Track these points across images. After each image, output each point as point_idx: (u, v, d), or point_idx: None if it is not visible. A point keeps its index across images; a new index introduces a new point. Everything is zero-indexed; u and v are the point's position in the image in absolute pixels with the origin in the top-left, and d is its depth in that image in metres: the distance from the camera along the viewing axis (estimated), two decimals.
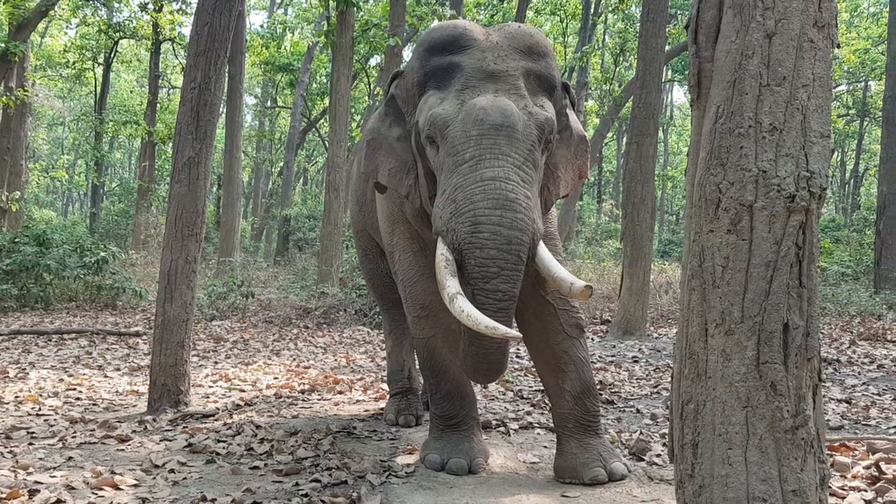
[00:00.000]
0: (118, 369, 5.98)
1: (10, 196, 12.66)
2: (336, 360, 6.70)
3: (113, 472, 3.16)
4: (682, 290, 2.11)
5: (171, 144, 23.18)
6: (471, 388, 3.51)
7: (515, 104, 2.79)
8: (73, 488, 2.97)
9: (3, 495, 2.81)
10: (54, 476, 3.11)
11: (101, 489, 2.97)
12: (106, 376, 5.64)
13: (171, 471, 3.24)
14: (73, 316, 9.75)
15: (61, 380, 5.37)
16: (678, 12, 20.69)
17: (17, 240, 10.70)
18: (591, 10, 23.11)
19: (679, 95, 39.86)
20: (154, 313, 9.51)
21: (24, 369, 5.74)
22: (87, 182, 35.96)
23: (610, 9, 22.69)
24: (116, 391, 5.09)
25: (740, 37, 1.92)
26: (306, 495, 2.93)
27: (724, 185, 1.93)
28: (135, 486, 3.03)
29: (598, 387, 4.34)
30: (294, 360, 6.64)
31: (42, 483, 3.01)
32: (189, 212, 4.40)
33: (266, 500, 2.87)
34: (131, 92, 33.44)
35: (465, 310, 2.54)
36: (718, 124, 1.94)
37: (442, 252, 2.72)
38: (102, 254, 10.84)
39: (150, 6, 18.47)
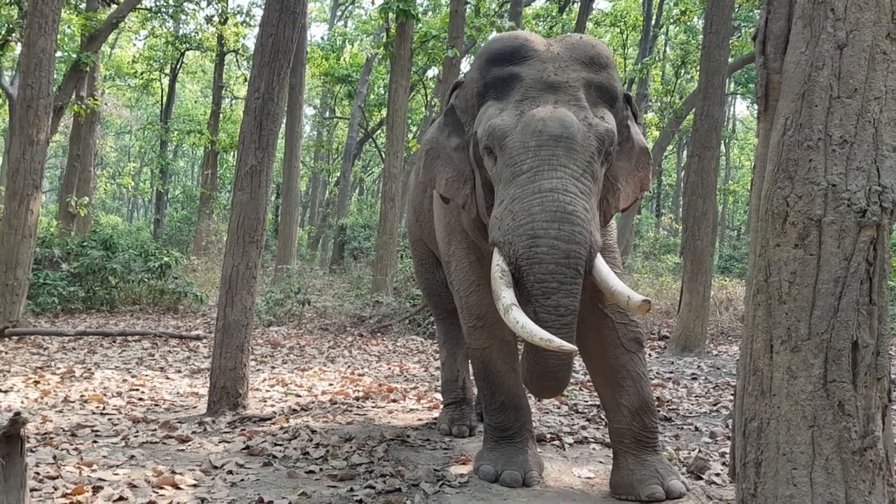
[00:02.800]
0: (179, 371, 6.12)
1: (79, 201, 13.07)
2: (390, 368, 6.74)
3: (173, 472, 3.23)
4: (746, 305, 2.06)
5: (232, 153, 23.76)
6: (525, 399, 3.49)
7: (575, 115, 2.77)
8: (134, 486, 3.04)
9: (69, 490, 2.90)
10: (117, 474, 3.20)
11: (161, 488, 3.04)
12: (167, 378, 5.77)
13: (230, 472, 3.30)
14: (136, 319, 10.02)
15: (125, 380, 5.52)
16: (742, 24, 20.34)
17: (84, 244, 11.05)
18: (653, 22, 22.89)
19: (742, 108, 39.08)
20: (214, 317, 9.70)
21: (90, 369, 5.91)
22: (151, 189, 36.98)
23: (672, 20, 22.45)
24: (177, 392, 5.20)
25: (810, 48, 1.88)
26: (360, 501, 2.95)
27: (791, 199, 1.89)
28: (194, 486, 3.10)
29: (656, 403, 4.27)
30: (349, 367, 6.70)
31: (105, 480, 3.09)
32: (250, 219, 4.48)
33: None
34: (195, 102, 34.30)
35: (520, 321, 2.53)
36: (787, 136, 1.90)
37: (497, 263, 2.72)
38: (166, 259, 11.12)
39: (216, 19, 18.93)
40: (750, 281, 2.03)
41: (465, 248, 3.42)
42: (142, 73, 23.49)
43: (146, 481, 3.10)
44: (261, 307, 10.15)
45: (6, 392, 4.83)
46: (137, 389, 5.21)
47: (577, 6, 22.86)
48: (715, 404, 5.46)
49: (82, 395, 4.87)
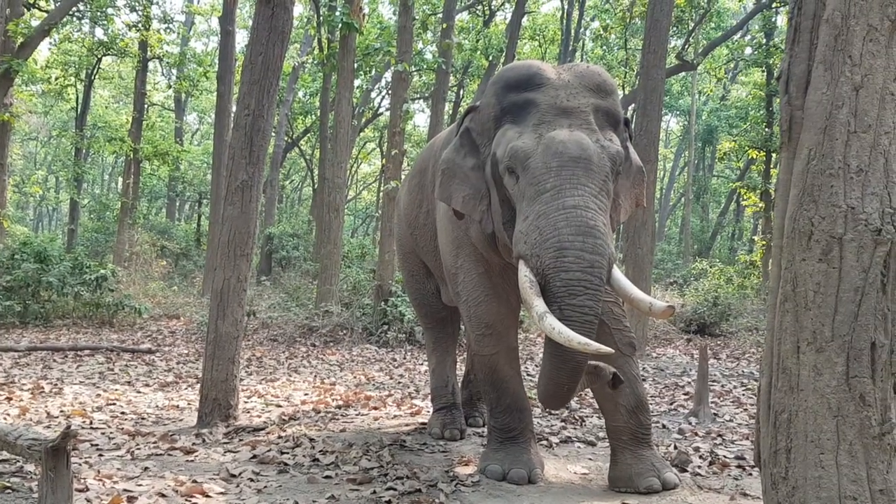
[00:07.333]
0: (147, 385, 6.08)
1: (2, 212, 12.63)
2: (355, 377, 6.85)
3: (194, 481, 3.31)
4: (770, 313, 2.35)
5: (150, 163, 23.12)
6: (528, 402, 3.72)
7: (589, 138, 3.03)
8: (164, 496, 3.12)
9: (106, 501, 2.96)
10: (140, 485, 3.26)
11: (192, 496, 3.13)
12: (138, 392, 5.74)
13: (250, 479, 3.41)
14: (74, 333, 9.75)
15: (98, 395, 5.46)
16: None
17: (16, 256, 10.67)
18: (571, 37, 23.60)
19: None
20: (154, 330, 9.50)
21: (56, 385, 5.81)
22: (56, 197, 35.71)
23: (593, 37, 23.22)
24: (156, 406, 5.20)
25: (831, 89, 2.18)
26: (388, 502, 3.11)
27: (815, 219, 2.18)
28: (222, 493, 3.19)
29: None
30: (315, 377, 6.78)
31: (131, 491, 3.15)
32: (241, 233, 4.56)
33: None
34: (106, 108, 33.19)
35: (556, 327, 2.76)
36: (811, 165, 2.20)
37: (525, 274, 2.94)
38: (102, 271, 10.87)
39: (140, 24, 18.53)
40: (775, 291, 2.31)
41: (473, 260, 3.63)
42: (57, 79, 22.65)
43: (174, 490, 3.18)
44: (202, 319, 10.04)
45: None
46: (114, 403, 5.18)
47: (498, 19, 23.41)
48: (671, 403, 5.82)
49: (62, 411, 4.82)
